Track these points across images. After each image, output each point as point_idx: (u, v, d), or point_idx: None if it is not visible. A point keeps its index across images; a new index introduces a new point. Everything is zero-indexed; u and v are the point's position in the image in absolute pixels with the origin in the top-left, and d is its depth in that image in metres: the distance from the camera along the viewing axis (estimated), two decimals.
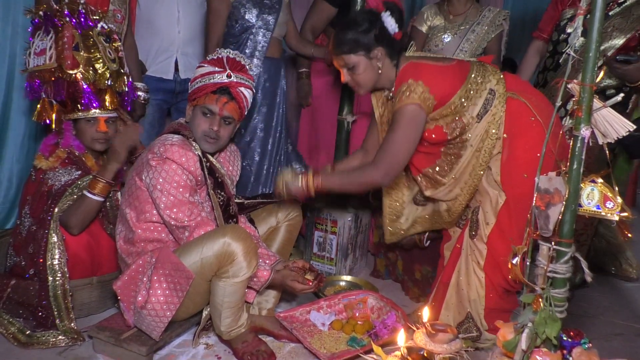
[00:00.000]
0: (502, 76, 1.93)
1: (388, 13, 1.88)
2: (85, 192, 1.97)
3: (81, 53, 1.99)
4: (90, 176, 2.00)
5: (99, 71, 2.02)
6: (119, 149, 2.00)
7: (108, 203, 2.07)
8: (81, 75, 1.98)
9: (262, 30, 2.53)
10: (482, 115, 1.88)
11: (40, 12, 2.00)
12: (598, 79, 1.29)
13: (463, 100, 1.85)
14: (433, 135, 1.90)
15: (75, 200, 1.98)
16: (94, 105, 2.03)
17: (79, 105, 2.02)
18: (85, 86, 2.00)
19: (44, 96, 2.02)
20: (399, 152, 1.84)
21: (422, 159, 2.00)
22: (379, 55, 1.90)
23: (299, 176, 1.92)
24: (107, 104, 2.06)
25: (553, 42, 2.44)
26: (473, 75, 1.89)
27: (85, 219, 1.98)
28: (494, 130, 1.88)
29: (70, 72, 1.97)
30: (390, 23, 1.89)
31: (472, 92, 1.86)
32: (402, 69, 1.91)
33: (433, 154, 1.97)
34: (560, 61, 2.38)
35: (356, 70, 1.91)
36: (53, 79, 1.98)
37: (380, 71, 1.91)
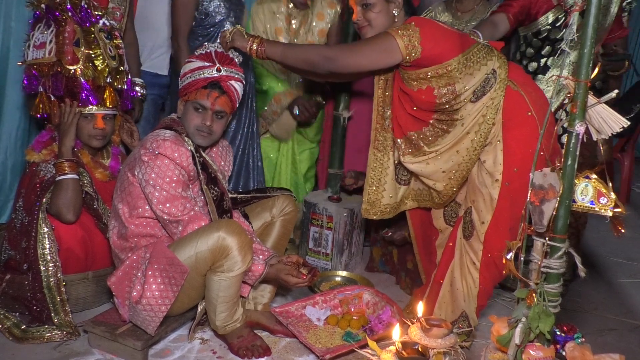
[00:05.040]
0: (505, 61, 1.91)
1: None
2: (58, 178, 1.96)
3: (82, 49, 1.99)
4: (53, 162, 1.99)
5: (99, 68, 2.01)
6: (64, 128, 2.00)
7: (95, 203, 2.06)
8: (80, 71, 1.98)
9: (231, 24, 2.45)
10: (480, 96, 1.85)
11: (42, 5, 1.99)
12: (592, 76, 1.30)
13: (461, 66, 1.82)
14: (423, 97, 1.88)
15: (53, 190, 1.97)
16: (92, 102, 2.02)
17: (76, 101, 2.01)
18: (84, 82, 1.99)
19: (41, 90, 2.01)
20: (354, 54, 1.86)
21: (410, 121, 1.97)
22: (397, 2, 1.92)
23: (247, 37, 1.96)
24: (106, 101, 2.05)
25: (534, 33, 2.43)
26: (476, 49, 1.86)
27: (71, 200, 1.95)
28: (489, 116, 1.86)
29: (70, 67, 1.96)
30: None
31: (471, 62, 1.83)
32: (410, 18, 1.91)
33: (422, 121, 1.95)
34: (543, 53, 2.41)
35: (372, 10, 1.91)
36: (52, 73, 1.97)
37: (395, 20, 1.93)
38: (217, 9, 2.43)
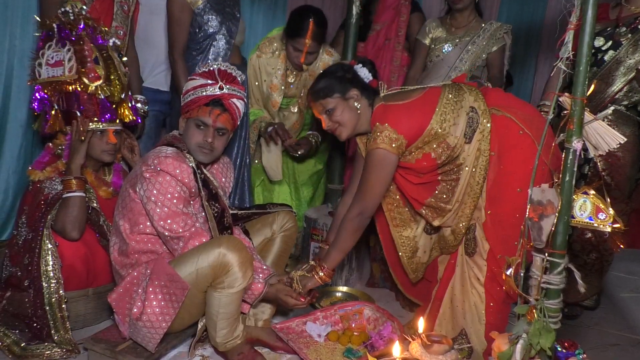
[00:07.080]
0: (479, 93, 1.95)
1: (360, 65, 2.03)
2: (65, 195, 1.97)
3: (100, 66, 2.02)
4: (60, 180, 2.01)
5: (114, 84, 2.05)
6: (76, 146, 2.02)
7: (101, 218, 2.07)
8: (99, 89, 2.01)
9: (224, 37, 2.50)
10: (471, 135, 1.90)
11: (54, 25, 2.02)
12: (589, 92, 1.31)
13: (441, 123, 1.88)
14: (424, 163, 1.93)
15: (59, 206, 1.98)
16: (109, 118, 2.05)
17: (88, 119, 2.04)
18: (103, 99, 2.02)
19: (56, 107, 2.03)
20: (370, 193, 1.93)
21: (421, 190, 2.01)
22: (355, 95, 1.97)
23: (310, 274, 2.01)
24: (123, 117, 2.11)
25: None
26: (445, 98, 1.91)
27: (77, 217, 1.97)
28: (483, 148, 1.90)
29: (92, 84, 1.99)
30: (364, 73, 2.02)
31: (448, 113, 1.89)
32: (375, 111, 1.98)
33: (431, 183, 1.99)
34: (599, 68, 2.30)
35: (335, 113, 1.97)
36: (67, 90, 2.00)
37: (359, 111, 1.98)
38: (209, 23, 2.46)
